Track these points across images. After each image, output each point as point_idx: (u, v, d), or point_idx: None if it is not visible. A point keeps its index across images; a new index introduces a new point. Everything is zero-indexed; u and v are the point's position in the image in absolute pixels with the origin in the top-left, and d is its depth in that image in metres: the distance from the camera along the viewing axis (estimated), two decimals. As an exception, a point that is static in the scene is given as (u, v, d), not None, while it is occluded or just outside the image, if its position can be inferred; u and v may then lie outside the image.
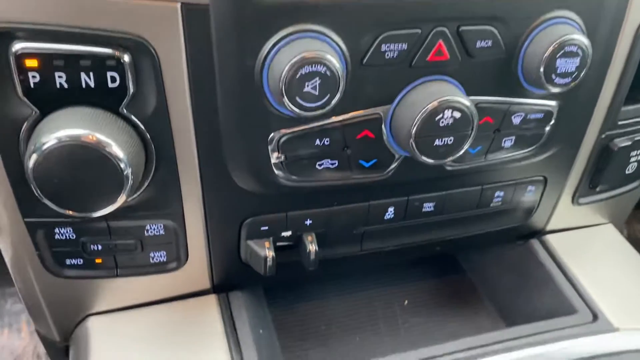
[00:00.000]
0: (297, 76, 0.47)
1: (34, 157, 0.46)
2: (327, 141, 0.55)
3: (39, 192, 0.47)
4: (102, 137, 0.47)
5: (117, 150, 0.47)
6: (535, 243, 0.78)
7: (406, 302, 0.80)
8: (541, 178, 0.71)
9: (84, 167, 0.47)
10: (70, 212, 0.49)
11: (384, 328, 0.76)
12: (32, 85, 0.47)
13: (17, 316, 1.66)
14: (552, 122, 0.63)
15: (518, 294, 0.78)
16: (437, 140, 0.54)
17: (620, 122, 0.69)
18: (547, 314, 0.70)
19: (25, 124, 0.49)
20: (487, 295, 0.81)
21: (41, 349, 1.61)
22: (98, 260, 0.59)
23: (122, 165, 0.48)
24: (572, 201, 0.77)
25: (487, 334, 0.66)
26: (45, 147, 0.46)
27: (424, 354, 0.61)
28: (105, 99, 0.49)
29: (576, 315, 0.68)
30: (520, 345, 0.64)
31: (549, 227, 0.79)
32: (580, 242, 0.80)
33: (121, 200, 0.49)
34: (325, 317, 0.77)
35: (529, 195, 0.72)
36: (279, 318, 0.76)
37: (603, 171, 0.73)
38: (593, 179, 0.74)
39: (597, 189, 0.76)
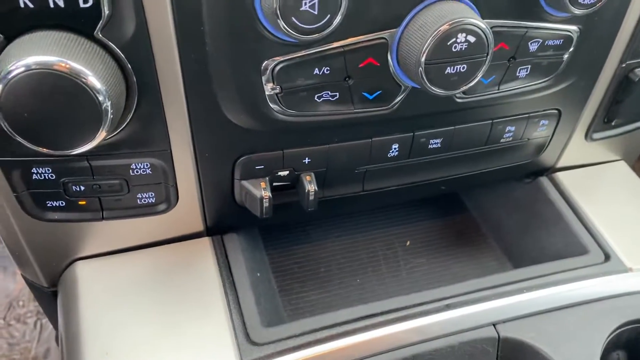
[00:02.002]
0: (294, -8, 0.42)
1: (0, 87, 0.41)
2: (327, 70, 0.50)
3: (8, 127, 0.43)
4: (76, 65, 0.42)
5: (93, 80, 0.42)
6: (544, 180, 0.75)
7: (408, 242, 0.77)
8: (555, 111, 0.66)
9: (58, 100, 0.42)
10: (45, 150, 0.44)
11: (385, 270, 0.73)
12: None
13: (11, 259, 1.65)
14: (571, 49, 0.58)
15: (526, 233, 0.75)
16: (448, 67, 0.49)
17: (643, 50, 0.64)
18: (557, 255, 0.68)
19: None
20: (493, 235, 0.78)
21: (37, 292, 1.60)
22: (82, 202, 0.55)
23: (101, 98, 0.43)
24: (585, 136, 0.73)
25: (495, 276, 0.64)
26: (11, 75, 0.41)
27: (428, 297, 0.58)
28: (77, 22, 0.43)
29: (587, 255, 0.66)
30: (530, 287, 0.62)
31: (560, 164, 0.75)
32: (592, 179, 0.76)
33: (100, 136, 0.45)
34: (324, 259, 0.74)
35: (541, 130, 0.68)
36: (276, 260, 0.73)
37: (620, 104, 0.69)
38: (609, 112, 0.70)
39: (613, 123, 0.72)
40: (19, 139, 0.43)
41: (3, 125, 0.43)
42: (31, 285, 0.67)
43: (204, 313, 0.56)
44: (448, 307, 0.58)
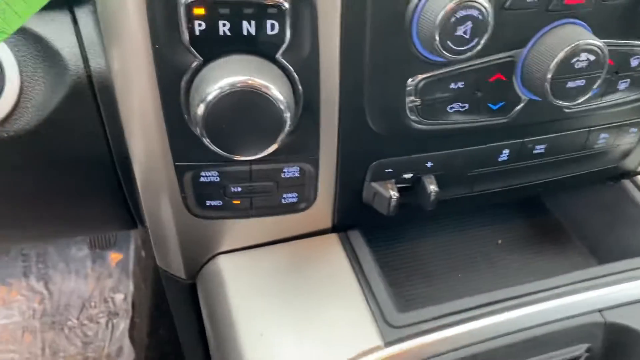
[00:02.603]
0: (452, 20, 0.49)
1: (202, 106, 0.48)
2: (461, 84, 0.58)
3: (208, 140, 0.50)
4: (264, 82, 0.49)
5: (276, 93, 0.50)
6: (627, 183, 0.81)
7: (500, 241, 0.84)
8: (644, 120, 0.73)
9: (248, 112, 0.50)
10: (234, 157, 0.52)
11: (483, 266, 0.80)
12: (197, 33, 0.49)
13: (82, 262, 1.74)
14: (666, 64, 0.64)
15: (610, 232, 0.81)
16: (570, 82, 0.56)
17: None
18: (641, 251, 0.74)
19: (187, 72, 0.51)
20: (577, 235, 0.85)
21: (107, 293, 1.69)
22: (236, 202, 0.62)
23: (282, 108, 0.50)
24: (666, 142, 0.79)
25: (584, 270, 0.70)
26: (210, 97, 0.48)
27: (539, 286, 0.65)
28: (263, 47, 0.51)
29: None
30: (617, 281, 0.68)
31: (641, 168, 0.82)
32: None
33: (279, 142, 0.52)
34: (424, 256, 0.81)
35: (630, 137, 0.74)
36: (381, 257, 0.80)
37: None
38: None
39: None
40: (215, 148, 0.51)
41: (204, 139, 0.50)
42: (167, 278, 0.75)
43: (342, 299, 0.63)
44: (558, 295, 0.64)
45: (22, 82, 0.57)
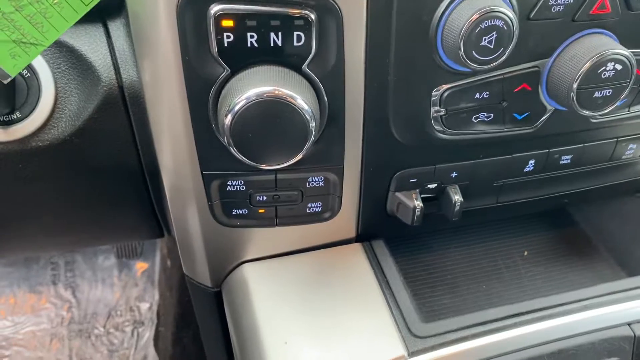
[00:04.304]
0: (477, 30, 0.49)
1: (229, 116, 0.49)
2: (486, 94, 0.58)
3: (235, 149, 0.51)
4: (290, 92, 0.50)
5: (302, 103, 0.51)
6: (656, 195, 0.80)
7: (526, 252, 0.83)
8: (672, 131, 0.72)
9: (274, 121, 0.51)
10: (261, 165, 0.53)
11: (508, 277, 0.79)
12: (226, 44, 0.50)
13: (109, 271, 1.77)
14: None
15: (638, 244, 0.80)
16: (597, 92, 0.56)
17: None
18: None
19: (215, 83, 0.52)
20: (605, 247, 0.83)
21: (133, 302, 1.72)
22: (261, 211, 0.63)
23: (308, 117, 0.51)
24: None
25: (613, 283, 0.68)
26: (237, 107, 0.49)
27: (566, 298, 0.64)
28: (289, 58, 0.52)
29: None
30: None
31: (670, 180, 0.80)
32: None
33: (303, 152, 0.53)
34: (448, 267, 0.81)
35: (658, 148, 0.73)
36: (404, 268, 0.80)
37: None
38: None
39: None
40: (242, 157, 0.52)
41: (230, 148, 0.51)
42: (195, 286, 0.76)
43: (366, 309, 0.63)
44: (586, 308, 0.64)
45: (57, 93, 0.59)
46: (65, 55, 0.59)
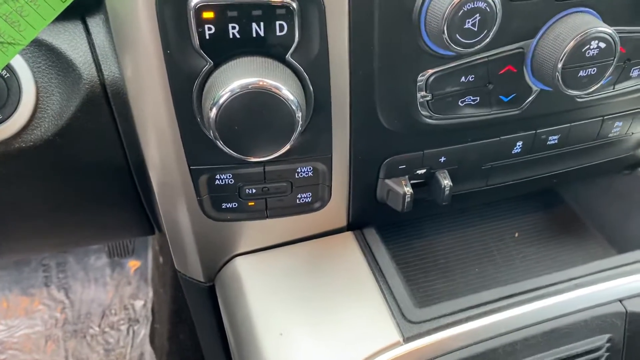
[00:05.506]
0: (460, 13, 0.49)
1: (214, 109, 0.49)
2: (471, 78, 0.58)
3: (221, 142, 0.51)
4: (274, 82, 0.50)
5: (287, 93, 0.50)
6: (644, 172, 0.80)
7: (517, 234, 0.83)
8: (658, 106, 0.72)
9: (260, 113, 0.50)
10: (248, 158, 0.52)
11: (500, 259, 0.79)
12: (207, 37, 0.49)
13: (101, 270, 1.76)
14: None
15: (627, 221, 0.80)
16: (581, 71, 0.56)
17: None
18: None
19: (199, 76, 0.52)
20: (595, 225, 0.84)
21: (127, 301, 1.71)
22: (251, 204, 0.63)
23: (294, 107, 0.51)
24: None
25: (603, 260, 0.69)
26: (222, 100, 0.48)
27: (557, 278, 0.65)
28: (272, 48, 0.51)
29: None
30: (636, 270, 0.67)
31: (657, 156, 0.81)
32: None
33: (291, 142, 0.53)
34: (441, 252, 0.81)
35: (644, 125, 0.74)
36: (397, 254, 0.80)
37: None
38: None
39: None
40: (229, 150, 0.52)
41: (217, 142, 0.51)
42: (187, 282, 0.75)
43: (360, 296, 0.63)
44: (577, 286, 0.64)
45: (37, 93, 0.58)
46: (45, 54, 0.58)
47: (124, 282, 1.73)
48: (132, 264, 1.76)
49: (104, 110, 0.60)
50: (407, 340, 0.59)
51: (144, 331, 1.63)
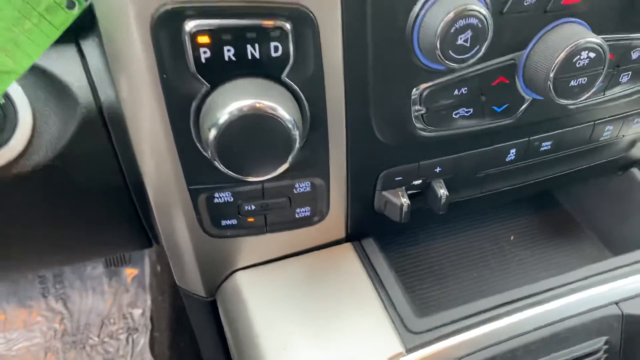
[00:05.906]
0: (452, 30, 0.50)
1: (213, 131, 0.49)
2: (464, 90, 0.58)
3: (221, 164, 0.51)
4: (271, 103, 0.50)
5: (284, 113, 0.51)
6: (636, 172, 0.81)
7: (513, 237, 0.84)
8: (647, 109, 0.73)
9: (258, 134, 0.51)
10: (247, 178, 0.53)
11: (495, 264, 0.81)
12: (203, 60, 0.50)
13: (98, 279, 1.75)
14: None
15: (621, 222, 0.81)
16: (572, 81, 0.57)
17: None
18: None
19: (195, 98, 0.52)
20: (589, 227, 0.85)
21: (125, 309, 1.71)
22: (250, 220, 0.63)
23: (291, 126, 0.51)
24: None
25: (599, 263, 0.70)
26: (221, 122, 0.48)
27: (555, 283, 0.66)
28: (268, 69, 0.52)
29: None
30: (632, 272, 0.68)
31: (648, 156, 0.82)
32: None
33: (289, 161, 0.53)
34: (436, 259, 0.82)
35: (635, 127, 0.75)
36: (394, 262, 0.81)
37: None
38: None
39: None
40: (228, 171, 0.52)
41: (216, 163, 0.51)
42: (189, 296, 0.76)
43: (361, 308, 0.64)
44: (574, 291, 0.65)
45: (34, 119, 0.58)
46: (41, 80, 0.58)
47: (122, 290, 1.73)
48: (130, 272, 1.76)
49: (102, 134, 0.61)
50: (409, 351, 0.59)
51: (143, 340, 1.64)
